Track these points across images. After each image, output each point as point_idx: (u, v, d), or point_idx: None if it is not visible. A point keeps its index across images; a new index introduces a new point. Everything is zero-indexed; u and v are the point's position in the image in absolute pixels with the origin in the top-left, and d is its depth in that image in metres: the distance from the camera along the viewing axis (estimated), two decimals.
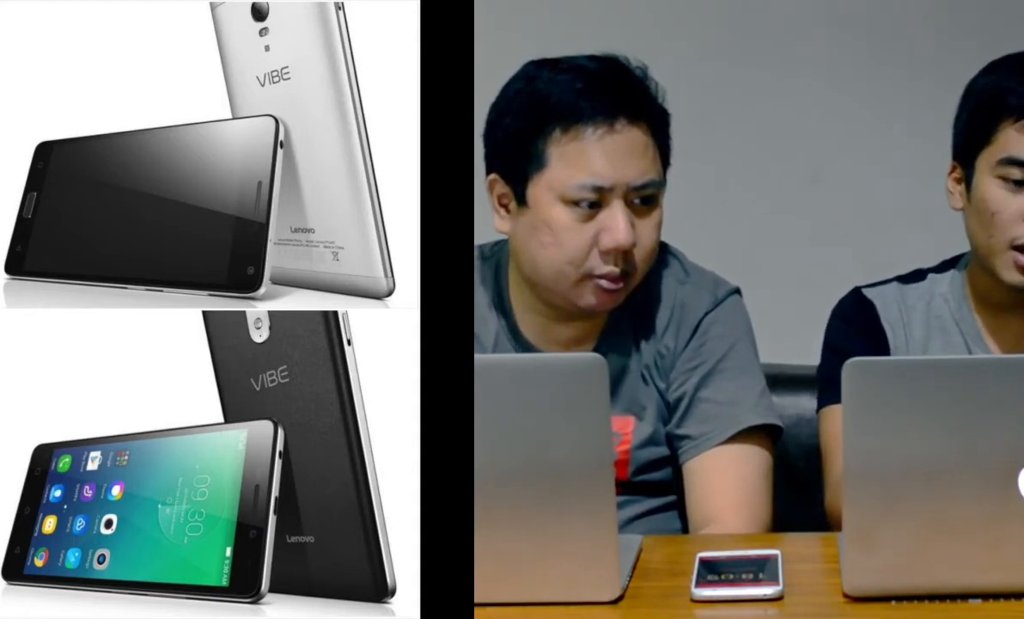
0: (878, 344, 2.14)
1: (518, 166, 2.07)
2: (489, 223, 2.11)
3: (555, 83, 2.06)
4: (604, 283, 2.06)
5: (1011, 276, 2.05)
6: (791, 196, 3.19)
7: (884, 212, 3.17)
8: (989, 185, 2.04)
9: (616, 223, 2.03)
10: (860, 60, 3.15)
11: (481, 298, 2.19)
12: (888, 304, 2.17)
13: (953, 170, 2.11)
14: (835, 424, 2.15)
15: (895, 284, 2.19)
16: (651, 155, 2.06)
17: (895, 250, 3.01)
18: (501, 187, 2.10)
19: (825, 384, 2.17)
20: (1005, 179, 2.03)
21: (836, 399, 2.09)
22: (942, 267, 2.20)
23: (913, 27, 3.14)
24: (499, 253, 2.21)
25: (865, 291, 2.19)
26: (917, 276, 2.20)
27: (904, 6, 3.15)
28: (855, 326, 2.18)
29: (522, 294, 2.16)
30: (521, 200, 2.08)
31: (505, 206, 2.10)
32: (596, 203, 2.04)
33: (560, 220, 2.05)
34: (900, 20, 3.14)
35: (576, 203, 2.04)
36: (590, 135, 2.03)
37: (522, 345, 2.17)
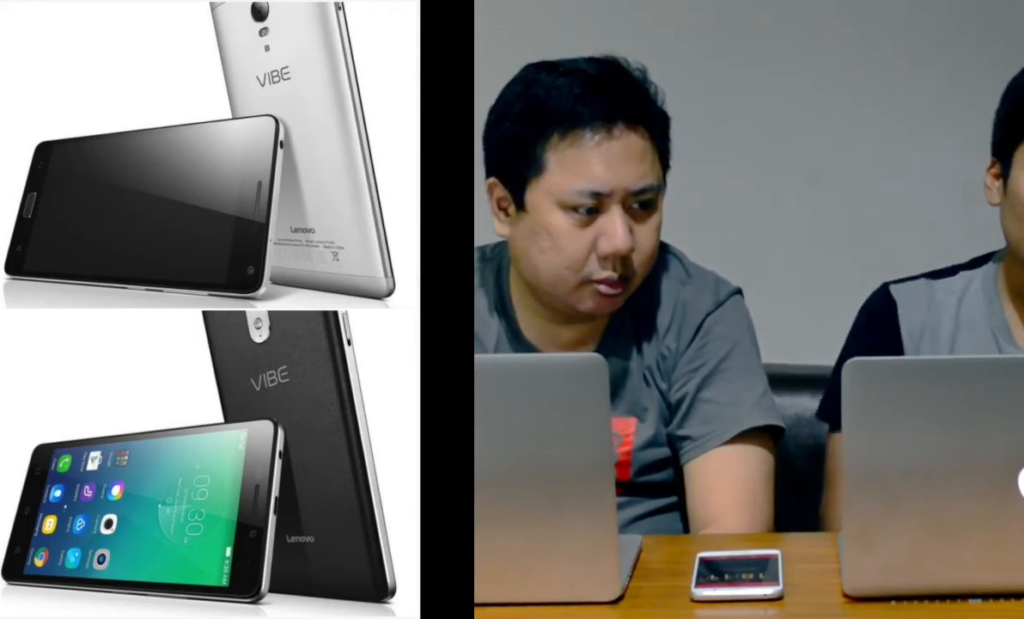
0: (890, 347, 2.15)
1: (516, 171, 2.06)
2: (490, 224, 2.11)
3: (553, 88, 2.05)
4: (603, 288, 2.06)
5: None
6: (792, 196, 3.19)
7: (885, 212, 3.17)
8: (1023, 180, 2.05)
9: (614, 228, 2.03)
10: (861, 60, 3.15)
11: (482, 300, 2.19)
12: (915, 301, 2.17)
13: (992, 166, 2.12)
14: (838, 447, 2.16)
15: (924, 280, 2.19)
16: (649, 159, 2.06)
17: (896, 250, 3.03)
18: (500, 191, 2.09)
19: (836, 399, 2.19)
20: None
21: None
22: (974, 263, 2.21)
23: (914, 26, 3.14)
24: (500, 254, 2.21)
25: (892, 288, 2.19)
26: (948, 272, 2.20)
27: (904, 5, 3.15)
28: (869, 325, 2.19)
29: (523, 296, 2.16)
30: (520, 205, 2.07)
31: (504, 210, 2.10)
32: (594, 208, 2.03)
33: (558, 225, 2.04)
34: (901, 19, 3.14)
35: (574, 209, 2.03)
36: (588, 140, 2.03)
37: (524, 347, 2.16)
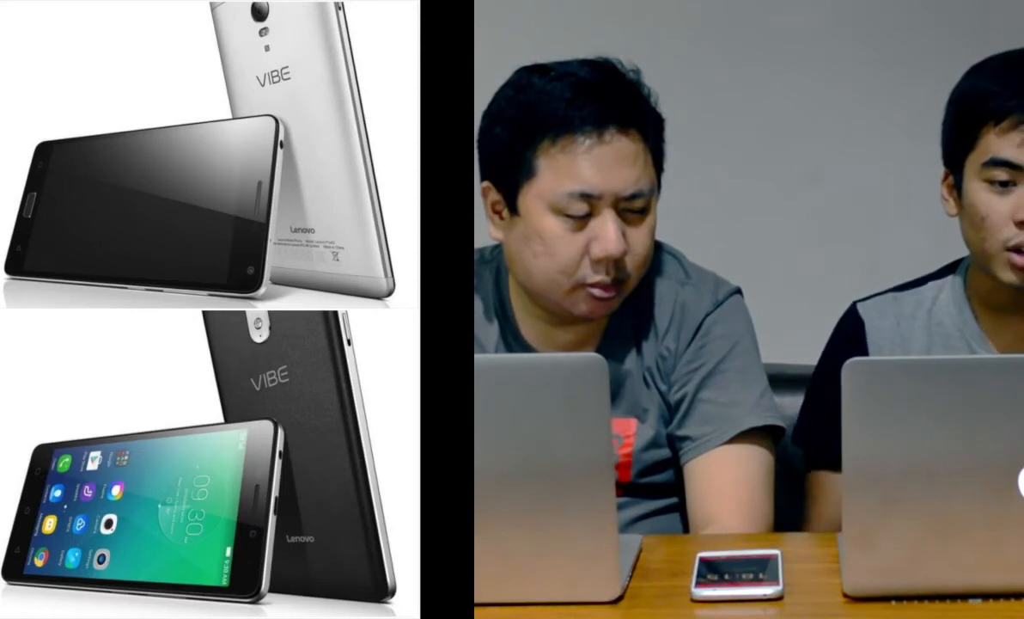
0: None
1: (509, 175, 2.06)
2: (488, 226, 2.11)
3: (544, 93, 2.05)
4: (596, 292, 2.06)
5: (1008, 276, 2.05)
6: (792, 196, 3.19)
7: (885, 212, 3.17)
8: (977, 189, 2.06)
9: (606, 232, 2.03)
10: (861, 60, 3.15)
11: (481, 302, 2.19)
12: (882, 317, 2.17)
13: (946, 177, 2.13)
14: (819, 488, 2.17)
15: (890, 295, 2.20)
16: (642, 163, 2.05)
17: (895, 250, 3.03)
18: (494, 195, 2.09)
19: (812, 430, 2.18)
20: (991, 181, 2.04)
21: (824, 462, 2.14)
22: (942, 272, 2.21)
23: (914, 26, 3.15)
24: (500, 257, 2.21)
25: (860, 305, 2.20)
26: (915, 283, 2.20)
27: (904, 6, 3.15)
28: (838, 346, 2.19)
29: (522, 299, 2.16)
30: (513, 209, 2.07)
31: (499, 214, 2.10)
32: (587, 213, 2.03)
33: (551, 230, 2.04)
34: (901, 19, 3.15)
35: (566, 213, 2.03)
36: (579, 145, 2.02)
37: (524, 349, 2.16)
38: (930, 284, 2.19)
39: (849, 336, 2.18)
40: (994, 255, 2.06)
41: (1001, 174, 2.03)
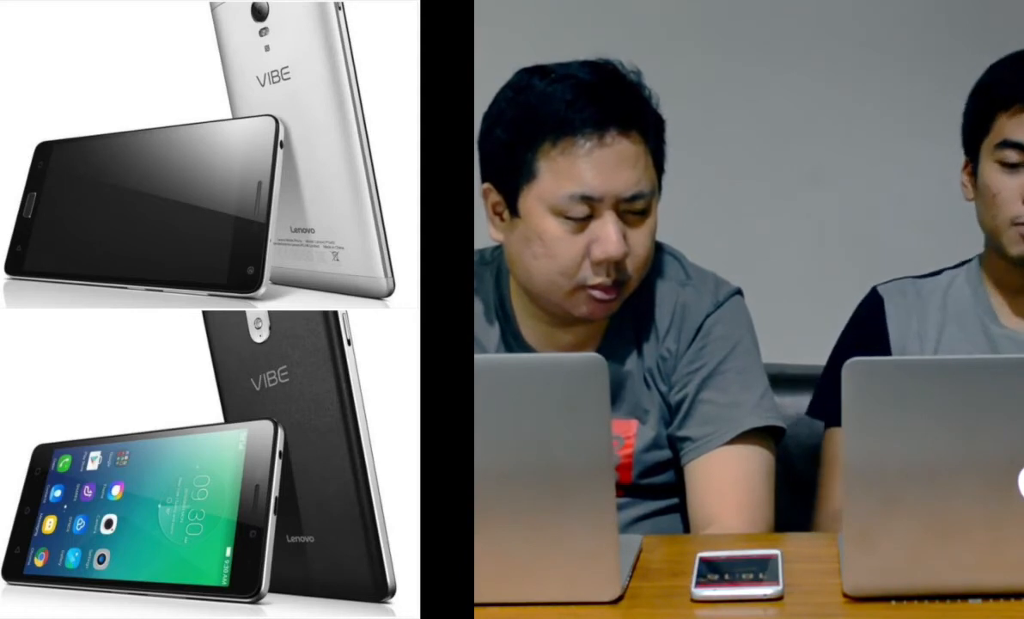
0: (877, 340, 2.22)
1: (510, 177, 2.06)
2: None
3: (545, 95, 2.04)
4: (597, 293, 2.05)
5: (1018, 250, 2.15)
6: (792, 196, 3.19)
7: (885, 212, 3.17)
8: (991, 170, 2.16)
9: (607, 234, 2.02)
10: (861, 60, 3.15)
11: (482, 304, 2.18)
12: (901, 296, 2.25)
13: (966, 165, 2.23)
14: (838, 445, 2.17)
15: (909, 279, 2.28)
16: (642, 165, 2.05)
17: (895, 250, 3.03)
18: (495, 196, 2.09)
19: (829, 397, 2.20)
20: (1003, 163, 2.15)
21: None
22: (958, 265, 2.29)
23: (914, 26, 3.15)
24: (500, 258, 2.20)
25: (880, 287, 2.28)
26: (933, 274, 2.29)
27: (904, 6, 3.15)
28: (857, 328, 2.27)
29: (523, 300, 2.16)
30: (514, 210, 2.07)
31: (500, 215, 2.10)
32: (587, 214, 2.03)
33: (551, 231, 2.04)
34: (901, 20, 3.15)
35: (567, 214, 2.03)
36: (580, 147, 2.02)
37: (524, 350, 2.16)
38: (946, 273, 2.29)
39: (869, 315, 2.26)
40: (1003, 231, 2.16)
41: (1012, 155, 2.14)
